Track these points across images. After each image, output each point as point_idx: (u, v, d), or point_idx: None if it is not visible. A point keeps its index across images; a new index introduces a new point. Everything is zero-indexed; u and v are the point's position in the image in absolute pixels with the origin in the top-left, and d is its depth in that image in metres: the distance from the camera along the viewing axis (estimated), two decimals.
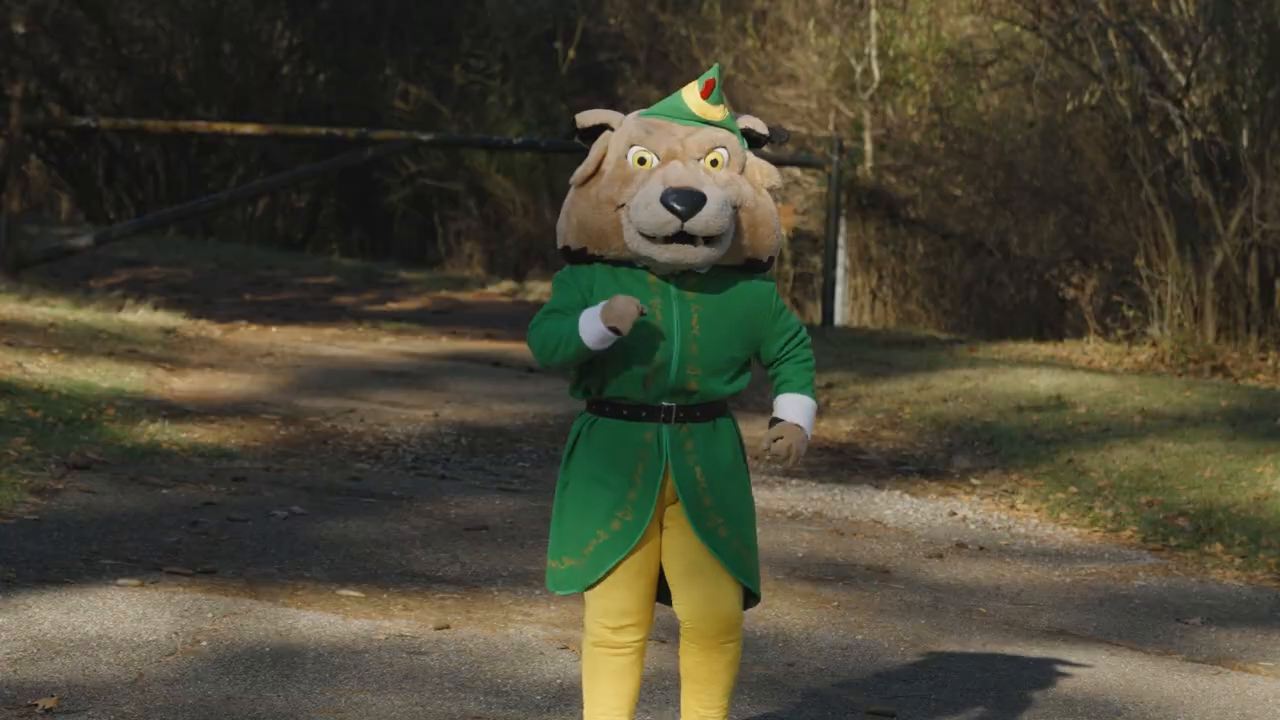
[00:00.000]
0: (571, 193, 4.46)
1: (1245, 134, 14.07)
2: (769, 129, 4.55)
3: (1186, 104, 14.24)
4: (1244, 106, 14.13)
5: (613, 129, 4.45)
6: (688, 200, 4.28)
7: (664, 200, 4.29)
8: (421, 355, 12.32)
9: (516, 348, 12.80)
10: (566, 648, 5.91)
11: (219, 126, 15.61)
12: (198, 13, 23.15)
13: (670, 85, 20.98)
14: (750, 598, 4.55)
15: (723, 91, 4.45)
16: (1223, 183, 14.20)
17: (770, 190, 4.47)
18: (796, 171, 18.66)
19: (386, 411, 10.01)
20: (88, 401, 9.20)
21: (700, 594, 4.47)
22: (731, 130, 4.45)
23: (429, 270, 20.27)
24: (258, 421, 9.45)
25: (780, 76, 19.40)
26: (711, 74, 4.43)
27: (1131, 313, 14.32)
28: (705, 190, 4.30)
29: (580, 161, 4.50)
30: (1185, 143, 14.18)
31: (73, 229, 19.26)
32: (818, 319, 15.47)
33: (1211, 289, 13.98)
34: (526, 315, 15.29)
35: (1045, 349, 14.20)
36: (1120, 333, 14.28)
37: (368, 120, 21.49)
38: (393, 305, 15.82)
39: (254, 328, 13.13)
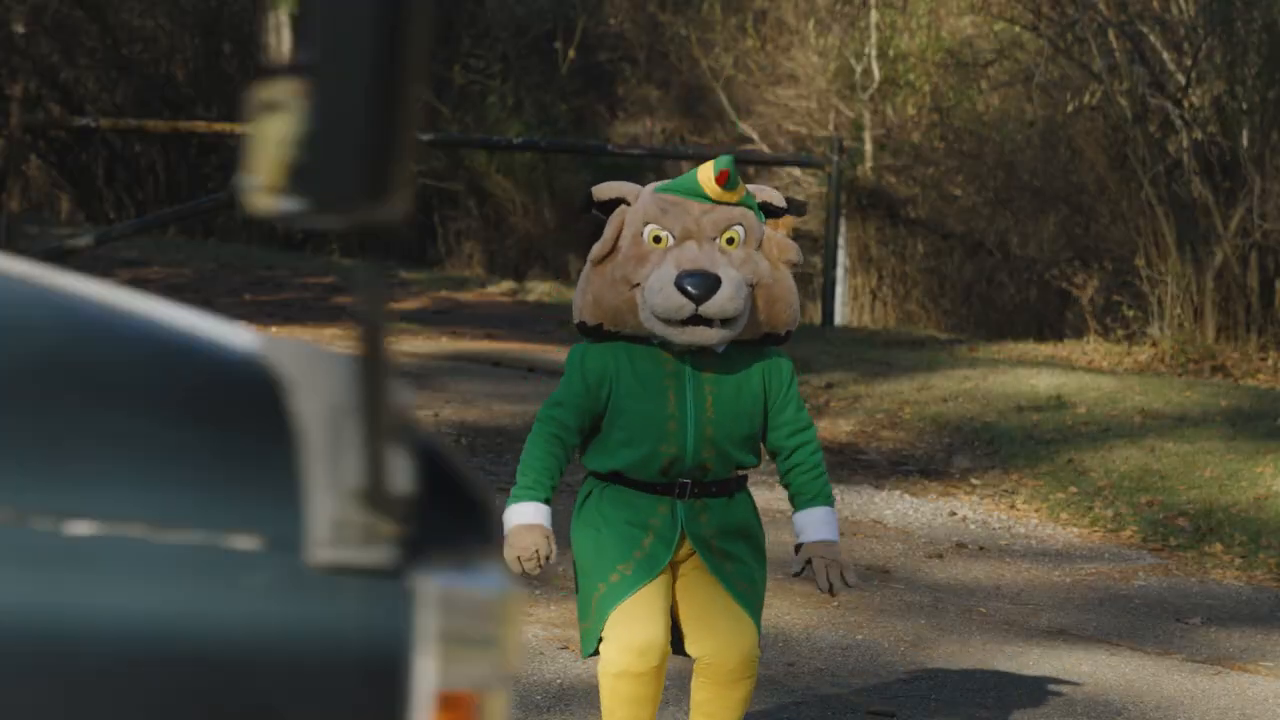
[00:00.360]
0: (587, 268, 4.41)
1: (1245, 134, 14.07)
2: (787, 201, 4.53)
3: (1186, 104, 14.24)
4: (1244, 106, 14.13)
5: (629, 203, 4.41)
6: (702, 285, 4.23)
7: (678, 284, 4.24)
8: (421, 355, 12.31)
9: (516, 348, 12.80)
10: (566, 648, 5.90)
11: (219, 126, 15.61)
12: (198, 12, 23.16)
13: (670, 85, 21.00)
14: None
15: (737, 172, 4.40)
16: (1223, 183, 14.20)
17: (789, 265, 4.45)
18: (796, 171, 18.67)
19: None
20: None
21: (719, 629, 4.41)
22: (749, 206, 4.41)
23: (429, 270, 20.26)
24: None
25: (780, 76, 19.40)
26: (725, 164, 4.37)
27: (1131, 313, 14.32)
28: (720, 272, 4.27)
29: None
30: (1185, 143, 14.18)
31: (73, 229, 19.27)
32: (817, 319, 15.46)
33: (1211, 289, 13.98)
34: (526, 315, 15.29)
35: (1045, 349, 14.19)
36: (1120, 333, 14.28)
37: None
38: (392, 305, 15.81)
39: (254, 328, 13.12)
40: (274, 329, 13.14)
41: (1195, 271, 14.02)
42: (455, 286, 17.45)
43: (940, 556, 7.81)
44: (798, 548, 4.45)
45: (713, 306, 4.24)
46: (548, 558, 4.26)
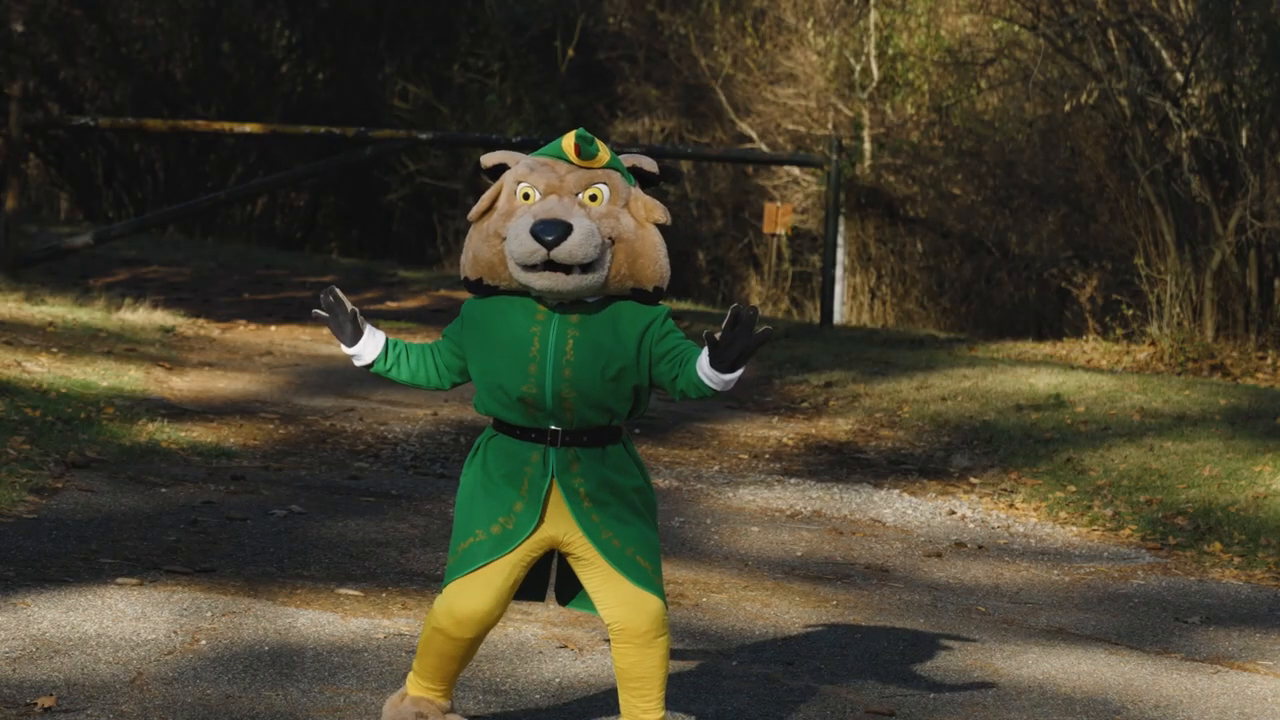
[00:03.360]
0: (470, 227, 4.80)
1: (1244, 133, 14.07)
2: (660, 168, 4.84)
3: (1185, 103, 14.24)
4: (1242, 105, 14.13)
5: (511, 168, 4.78)
6: (553, 230, 4.57)
7: (532, 230, 4.59)
8: None
9: None
10: (565, 646, 5.91)
11: (218, 125, 15.61)
12: (197, 11, 23.15)
13: (669, 84, 20.99)
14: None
15: (594, 142, 4.73)
16: (1221, 182, 14.20)
17: (658, 225, 4.74)
18: (795, 170, 18.67)
19: (385, 410, 10.02)
20: (87, 400, 9.20)
21: (618, 598, 4.76)
22: (616, 169, 4.74)
23: (428, 269, 20.26)
24: (257, 420, 9.45)
25: (779, 75, 19.39)
26: (578, 138, 4.70)
27: (1130, 312, 14.32)
28: (573, 221, 4.60)
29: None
30: (1184, 142, 14.18)
31: (72, 228, 19.26)
32: (816, 318, 15.46)
33: (1210, 288, 13.98)
34: None
35: (1044, 348, 14.19)
36: (1119, 332, 14.28)
37: (367, 119, 21.49)
38: (392, 304, 15.81)
39: (253, 327, 13.12)
40: (273, 328, 13.13)
41: (1194, 270, 14.02)
42: (454, 285, 17.43)
43: (939, 555, 7.81)
44: (710, 338, 4.60)
45: (562, 252, 4.58)
46: (327, 297, 4.81)
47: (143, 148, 23.13)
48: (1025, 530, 8.45)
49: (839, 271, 15.43)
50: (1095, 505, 8.79)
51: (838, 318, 15.94)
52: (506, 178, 4.76)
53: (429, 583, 6.62)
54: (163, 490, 7.67)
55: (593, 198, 4.68)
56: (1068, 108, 15.41)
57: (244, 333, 12.79)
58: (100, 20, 23.09)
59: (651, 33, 21.45)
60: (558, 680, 5.57)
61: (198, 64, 23.31)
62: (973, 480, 9.41)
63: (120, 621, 5.76)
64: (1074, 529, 8.51)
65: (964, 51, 18.21)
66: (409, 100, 22.88)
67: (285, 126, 17.59)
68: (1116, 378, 11.64)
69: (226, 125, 15.35)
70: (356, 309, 4.82)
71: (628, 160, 4.81)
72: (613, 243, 4.66)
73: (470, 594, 4.74)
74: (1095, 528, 8.52)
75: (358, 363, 4.89)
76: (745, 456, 9.69)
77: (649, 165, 4.81)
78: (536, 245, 4.58)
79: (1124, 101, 14.46)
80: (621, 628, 4.77)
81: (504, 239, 4.67)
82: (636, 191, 4.76)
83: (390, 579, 6.63)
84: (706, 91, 20.23)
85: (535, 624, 6.14)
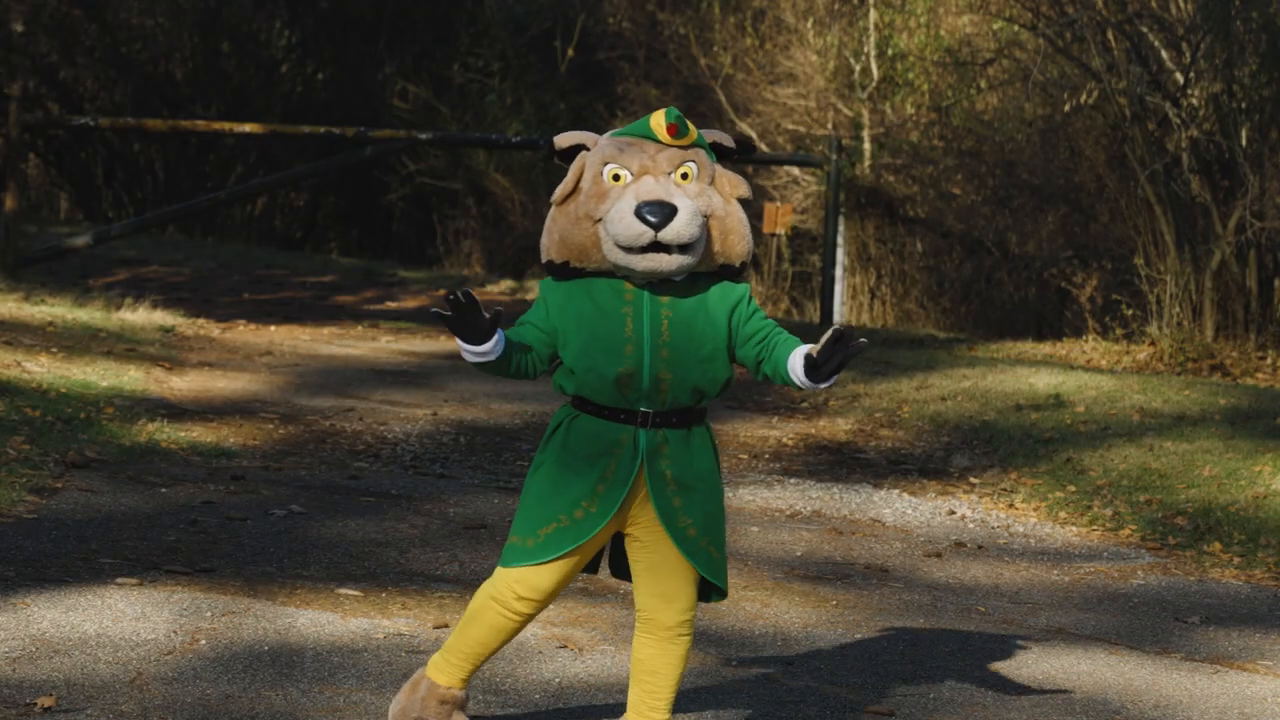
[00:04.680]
0: (552, 210, 4.74)
1: (1244, 133, 14.07)
2: (735, 140, 4.84)
3: (1185, 103, 14.24)
4: (1242, 105, 14.13)
5: (588, 149, 4.74)
6: (659, 212, 4.56)
7: (638, 213, 4.57)
8: (420, 354, 12.31)
9: None
10: (565, 646, 5.91)
11: (218, 125, 15.61)
12: (196, 11, 23.14)
13: (669, 84, 20.98)
14: (716, 592, 4.82)
15: (685, 121, 4.72)
16: (1221, 182, 14.20)
17: (740, 200, 4.74)
18: (795, 170, 18.66)
19: (385, 410, 10.01)
20: (86, 400, 9.20)
21: (662, 589, 4.74)
22: (700, 146, 4.73)
23: (428, 269, 20.27)
24: (256, 420, 9.45)
25: (779, 75, 19.39)
26: (673, 117, 4.69)
27: (1130, 312, 14.32)
28: (676, 201, 4.59)
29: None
30: (1183, 142, 14.18)
31: (71, 228, 19.26)
32: (816, 318, 15.47)
33: (1210, 288, 13.98)
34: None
35: (1044, 348, 14.20)
36: (1119, 332, 14.28)
37: (366, 119, 21.48)
38: (392, 304, 15.81)
39: (253, 327, 13.12)
40: (273, 328, 13.13)
41: (1194, 270, 14.02)
42: (455, 285, 17.44)
43: (939, 555, 7.81)
44: (808, 360, 4.61)
45: (670, 232, 4.56)
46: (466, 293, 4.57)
47: (142, 148, 23.13)
48: (1025, 530, 8.45)
49: (839, 271, 15.44)
50: (1095, 505, 8.79)
51: (837, 317, 15.94)
52: (589, 159, 4.70)
53: (429, 582, 6.62)
54: (162, 490, 7.67)
55: (684, 176, 4.67)
56: (1067, 108, 15.42)
57: (244, 333, 12.79)
58: (100, 20, 23.09)
59: (651, 33, 21.45)
60: (558, 680, 5.57)
61: (197, 64, 23.31)
62: (972, 480, 9.41)
63: (120, 621, 5.76)
64: (1074, 529, 8.51)
65: (964, 51, 18.21)
66: (409, 100, 22.87)
67: (285, 126, 17.59)
68: (1116, 378, 11.64)
69: (226, 125, 15.35)
70: (500, 308, 4.62)
71: (708, 137, 4.78)
72: (706, 220, 4.66)
73: (542, 573, 4.70)
74: (1095, 528, 8.52)
75: (472, 358, 4.66)
76: (745, 456, 9.69)
77: (727, 140, 4.80)
78: (644, 227, 4.56)
79: (1123, 101, 14.46)
80: (649, 617, 4.76)
81: (595, 221, 4.63)
82: (719, 168, 4.76)
83: (390, 579, 6.63)
84: (706, 91, 20.23)
85: (535, 624, 6.14)
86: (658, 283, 4.66)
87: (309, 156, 21.30)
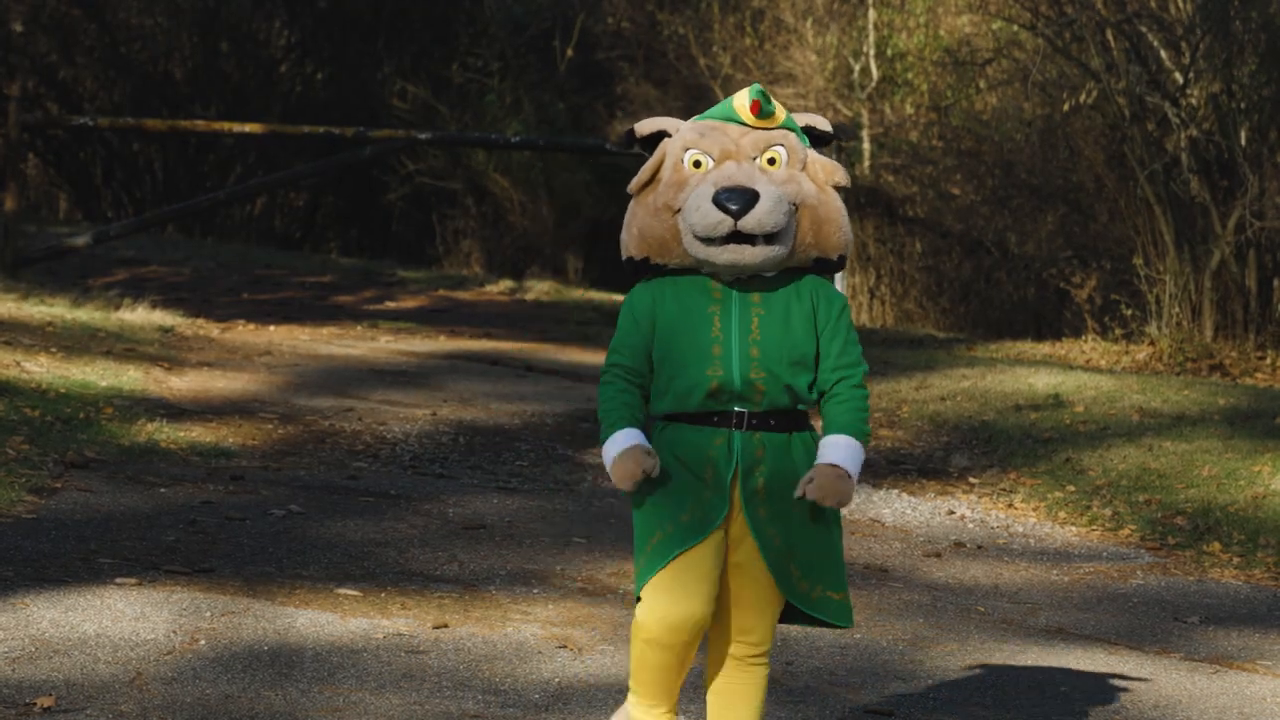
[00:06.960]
0: (631, 202, 4.42)
1: (1243, 133, 14.07)
2: (833, 126, 4.51)
3: (1184, 103, 14.24)
4: (1241, 105, 14.13)
5: (670, 135, 4.41)
6: (740, 199, 4.22)
7: (715, 200, 4.23)
8: (420, 354, 12.31)
9: (514, 346, 12.79)
10: (565, 646, 5.91)
11: (217, 125, 15.61)
12: (196, 11, 23.14)
13: (669, 84, 20.98)
14: (824, 621, 4.45)
15: (771, 100, 4.39)
16: (1220, 181, 14.20)
17: (837, 188, 4.39)
18: None
19: (384, 410, 10.01)
20: (86, 400, 9.20)
21: (737, 610, 4.41)
22: (790, 129, 4.40)
23: (427, 269, 20.26)
24: (256, 420, 9.45)
25: (778, 75, 19.39)
26: (756, 94, 4.37)
27: (1130, 312, 14.32)
28: (758, 187, 4.25)
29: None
30: (1183, 141, 14.18)
31: (71, 228, 19.26)
32: None
33: (1209, 288, 13.98)
34: (525, 314, 15.29)
35: (1043, 348, 14.20)
36: (1118, 332, 14.28)
37: (366, 119, 21.48)
38: (391, 304, 15.81)
39: (252, 326, 13.12)
40: (272, 328, 13.13)
41: (1193, 270, 14.02)
42: (454, 285, 17.45)
43: (938, 555, 7.81)
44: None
45: (751, 220, 4.22)
46: (650, 471, 4.27)
47: (142, 147, 23.12)
48: (1024, 530, 8.45)
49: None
50: (1094, 505, 8.79)
51: None
52: (670, 145, 4.37)
53: (428, 583, 6.62)
54: (162, 490, 7.67)
55: (771, 161, 4.33)
56: (1066, 107, 15.42)
57: (243, 333, 12.79)
58: (99, 20, 23.09)
59: (651, 32, 21.45)
60: (557, 680, 5.57)
61: (197, 64, 23.30)
62: (972, 480, 9.41)
63: (119, 621, 5.76)
64: (1073, 529, 8.51)
65: (963, 51, 18.21)
66: (408, 100, 22.87)
67: (284, 126, 17.58)
68: (1115, 378, 11.64)
69: (226, 125, 15.35)
70: (656, 459, 4.31)
71: (800, 120, 4.45)
72: (796, 209, 4.31)
73: (673, 596, 4.30)
74: (1094, 528, 8.52)
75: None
76: None
77: (822, 124, 4.45)
78: (722, 215, 4.22)
79: (1123, 101, 14.46)
80: (724, 639, 4.43)
81: (675, 212, 4.31)
82: (813, 153, 4.40)
83: (389, 579, 6.62)
84: (706, 91, 20.23)
85: (535, 624, 6.14)
86: (748, 279, 4.33)
87: (308, 156, 21.29)
